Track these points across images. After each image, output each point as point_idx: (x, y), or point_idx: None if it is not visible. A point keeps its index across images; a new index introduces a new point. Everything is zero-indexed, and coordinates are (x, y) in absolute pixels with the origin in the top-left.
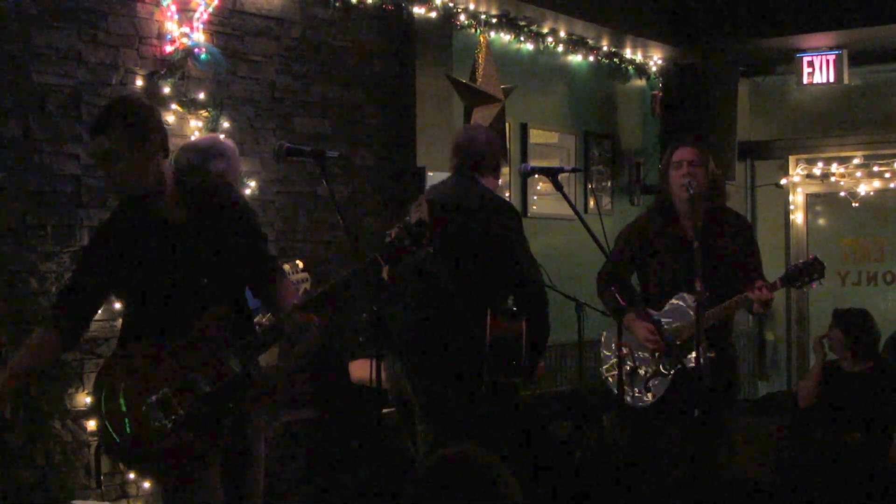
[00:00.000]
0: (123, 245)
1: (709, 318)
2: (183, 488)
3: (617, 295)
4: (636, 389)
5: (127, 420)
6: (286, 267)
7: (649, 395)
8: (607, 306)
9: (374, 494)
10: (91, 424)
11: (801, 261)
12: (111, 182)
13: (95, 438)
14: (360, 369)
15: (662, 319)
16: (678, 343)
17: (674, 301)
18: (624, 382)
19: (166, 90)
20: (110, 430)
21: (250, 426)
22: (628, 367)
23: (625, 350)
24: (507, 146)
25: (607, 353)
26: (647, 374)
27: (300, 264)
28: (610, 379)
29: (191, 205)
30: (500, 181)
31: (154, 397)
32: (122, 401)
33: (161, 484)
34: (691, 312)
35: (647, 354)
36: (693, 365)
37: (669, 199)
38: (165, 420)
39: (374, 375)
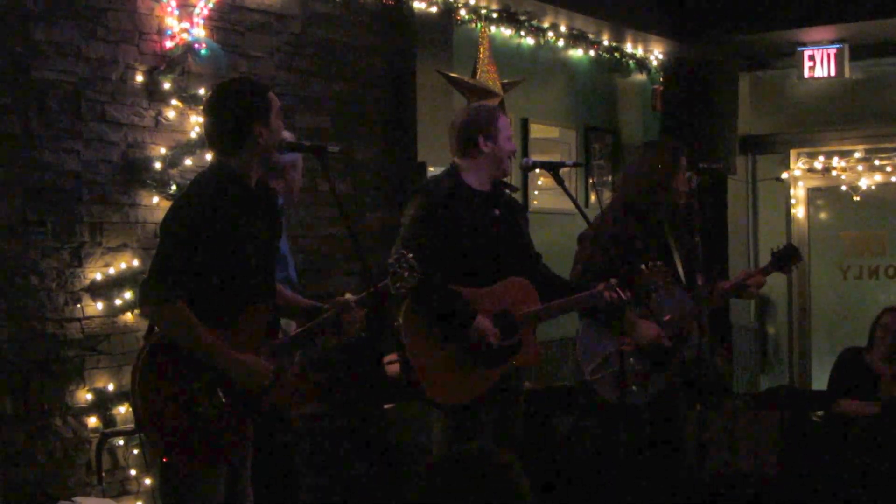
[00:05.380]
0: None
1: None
2: (183, 486)
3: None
4: (633, 387)
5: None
6: None
7: (647, 391)
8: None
9: (379, 489)
10: (92, 421)
11: (780, 247)
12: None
13: (96, 435)
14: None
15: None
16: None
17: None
18: (623, 380)
19: (166, 86)
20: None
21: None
22: (630, 364)
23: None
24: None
25: (590, 354)
26: (642, 371)
27: None
28: (599, 379)
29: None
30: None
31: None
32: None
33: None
34: (682, 304)
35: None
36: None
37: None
38: (209, 407)
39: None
